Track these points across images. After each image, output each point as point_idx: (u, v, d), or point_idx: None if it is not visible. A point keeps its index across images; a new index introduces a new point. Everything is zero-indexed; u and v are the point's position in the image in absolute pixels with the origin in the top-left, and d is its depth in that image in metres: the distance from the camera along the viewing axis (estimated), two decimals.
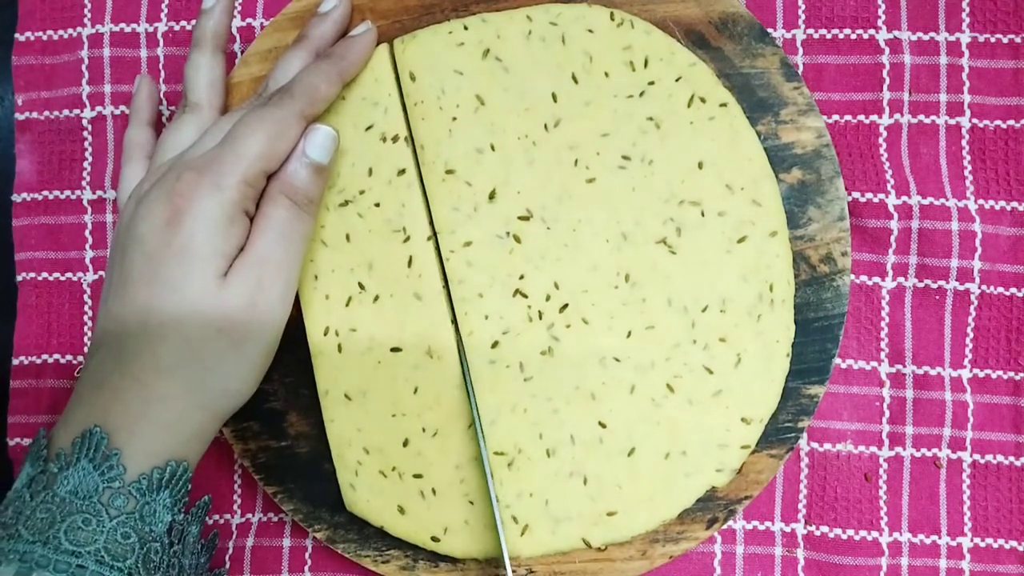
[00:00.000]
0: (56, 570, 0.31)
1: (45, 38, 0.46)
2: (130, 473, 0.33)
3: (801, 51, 0.43)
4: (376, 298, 0.41)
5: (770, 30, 0.43)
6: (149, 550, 0.33)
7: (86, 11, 0.46)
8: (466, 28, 0.41)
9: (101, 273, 0.46)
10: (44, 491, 0.33)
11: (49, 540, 0.32)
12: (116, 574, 0.32)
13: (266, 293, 0.36)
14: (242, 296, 0.36)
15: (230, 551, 0.44)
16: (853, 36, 0.43)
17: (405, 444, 0.40)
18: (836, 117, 0.43)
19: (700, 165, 0.40)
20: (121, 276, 0.36)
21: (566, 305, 0.40)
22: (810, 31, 0.43)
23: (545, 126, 0.41)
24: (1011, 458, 0.42)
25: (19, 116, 0.46)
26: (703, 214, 0.40)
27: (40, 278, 0.46)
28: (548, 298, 0.40)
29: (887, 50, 0.43)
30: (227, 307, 0.35)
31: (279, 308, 0.37)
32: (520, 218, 0.41)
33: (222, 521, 0.44)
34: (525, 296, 0.40)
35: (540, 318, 0.40)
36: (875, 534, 0.42)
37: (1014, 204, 0.43)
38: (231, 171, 0.35)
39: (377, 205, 0.41)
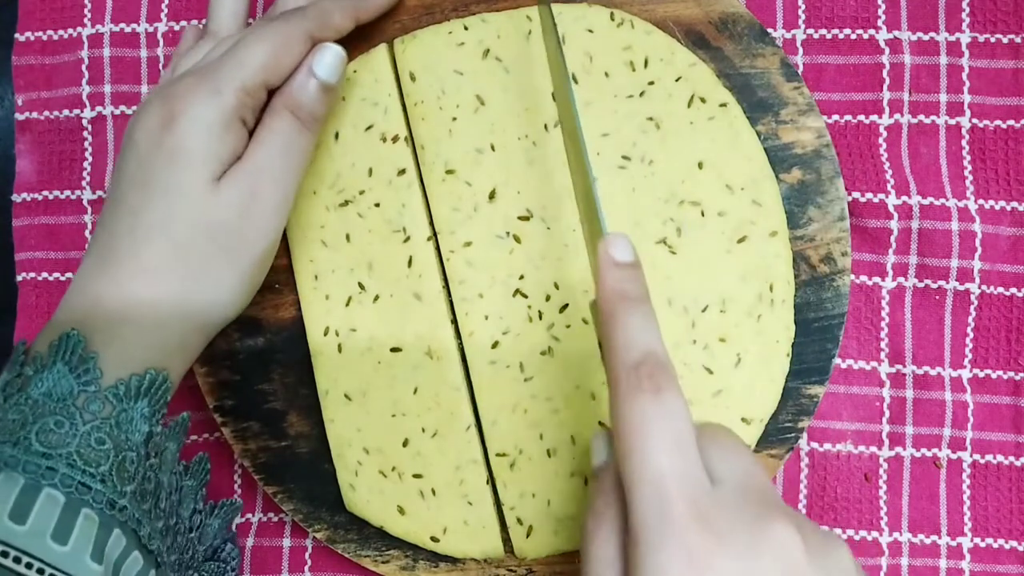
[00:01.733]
0: (25, 471, 0.30)
1: (45, 38, 0.46)
2: (107, 378, 0.33)
3: (801, 51, 0.43)
4: (376, 298, 0.41)
5: (770, 30, 0.43)
6: (124, 459, 0.32)
7: (86, 11, 0.46)
8: (466, 28, 0.41)
9: None
10: (18, 393, 0.32)
11: (19, 441, 0.31)
12: (88, 479, 0.31)
13: (260, 203, 0.35)
14: (235, 202, 0.35)
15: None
16: (853, 36, 0.43)
17: (405, 444, 0.40)
18: (836, 117, 0.43)
19: (700, 165, 0.40)
20: (115, 182, 0.36)
21: (566, 305, 0.40)
22: (810, 31, 0.43)
23: (545, 126, 0.41)
24: (1011, 458, 0.42)
25: (19, 116, 0.46)
26: (703, 214, 0.40)
27: (40, 278, 0.46)
28: (548, 298, 0.40)
29: (887, 50, 0.43)
30: (218, 211, 0.35)
31: (273, 219, 0.36)
32: (520, 218, 0.41)
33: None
34: (525, 296, 0.40)
35: (540, 318, 0.40)
36: (875, 534, 0.42)
37: (1014, 204, 0.43)
38: (230, 77, 0.35)
39: (377, 205, 0.41)
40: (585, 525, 0.30)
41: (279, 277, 0.42)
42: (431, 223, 0.41)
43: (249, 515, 0.45)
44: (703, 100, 0.40)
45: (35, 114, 0.46)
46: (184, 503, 0.36)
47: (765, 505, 0.28)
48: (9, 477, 0.30)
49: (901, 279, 0.43)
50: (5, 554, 0.29)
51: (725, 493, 0.28)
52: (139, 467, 0.33)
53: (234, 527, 0.44)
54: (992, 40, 0.43)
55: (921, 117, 0.43)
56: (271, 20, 0.37)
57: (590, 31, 0.41)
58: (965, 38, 0.43)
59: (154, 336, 0.34)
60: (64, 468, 0.31)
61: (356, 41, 0.42)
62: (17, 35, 0.46)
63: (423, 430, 0.40)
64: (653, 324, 0.30)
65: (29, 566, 0.30)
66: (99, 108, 0.46)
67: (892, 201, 0.42)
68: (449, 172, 0.41)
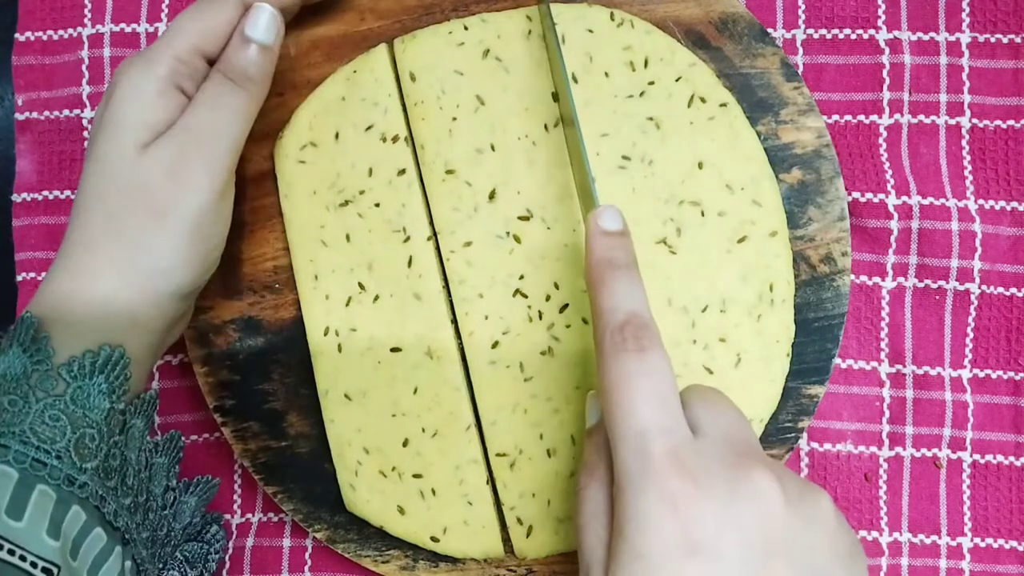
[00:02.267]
0: None
1: (45, 38, 0.46)
2: (59, 356, 0.33)
3: (801, 51, 0.43)
4: (376, 298, 0.41)
5: (770, 30, 0.43)
6: (83, 436, 0.32)
7: (86, 11, 0.46)
8: (466, 28, 0.41)
9: None
10: None
11: None
12: (43, 455, 0.31)
13: (187, 162, 0.35)
14: (159, 165, 0.35)
15: (230, 551, 0.44)
16: (853, 36, 0.43)
17: (405, 444, 0.40)
18: (836, 117, 0.43)
19: (700, 165, 0.40)
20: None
21: (566, 305, 0.40)
22: (810, 31, 0.43)
23: (545, 126, 0.41)
24: (1011, 458, 0.42)
25: (19, 116, 0.46)
26: (703, 214, 0.40)
27: (40, 278, 0.46)
28: (548, 298, 0.40)
29: (887, 50, 0.43)
30: (145, 175, 0.35)
31: (202, 180, 0.35)
32: (520, 218, 0.41)
33: (222, 521, 0.44)
34: (525, 296, 0.40)
35: (540, 318, 0.40)
36: (875, 534, 0.42)
37: (1014, 204, 0.43)
38: (162, 46, 0.36)
39: (377, 205, 0.41)
40: (578, 481, 0.32)
41: (279, 277, 0.42)
42: (431, 223, 0.41)
43: (249, 515, 0.45)
44: (703, 100, 0.40)
45: (35, 114, 0.46)
46: (155, 480, 0.36)
47: (746, 455, 0.29)
48: None
49: (901, 279, 0.43)
50: None
51: (707, 444, 0.29)
52: (101, 444, 0.33)
53: (233, 526, 0.44)
54: (992, 40, 0.43)
55: (921, 117, 0.43)
56: None
57: (590, 31, 0.41)
58: (965, 38, 0.43)
59: (100, 311, 0.34)
60: (17, 445, 0.31)
61: (356, 41, 0.42)
62: (17, 35, 0.46)
63: (423, 430, 0.40)
64: (638, 288, 0.32)
65: None
66: None
67: (892, 201, 0.42)
68: (449, 172, 0.41)
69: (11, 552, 0.30)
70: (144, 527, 0.35)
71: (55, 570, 0.31)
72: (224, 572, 0.43)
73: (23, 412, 0.31)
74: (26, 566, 0.30)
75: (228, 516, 0.44)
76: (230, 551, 0.44)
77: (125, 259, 0.35)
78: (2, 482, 0.31)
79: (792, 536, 0.28)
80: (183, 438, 0.38)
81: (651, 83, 0.40)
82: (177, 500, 0.38)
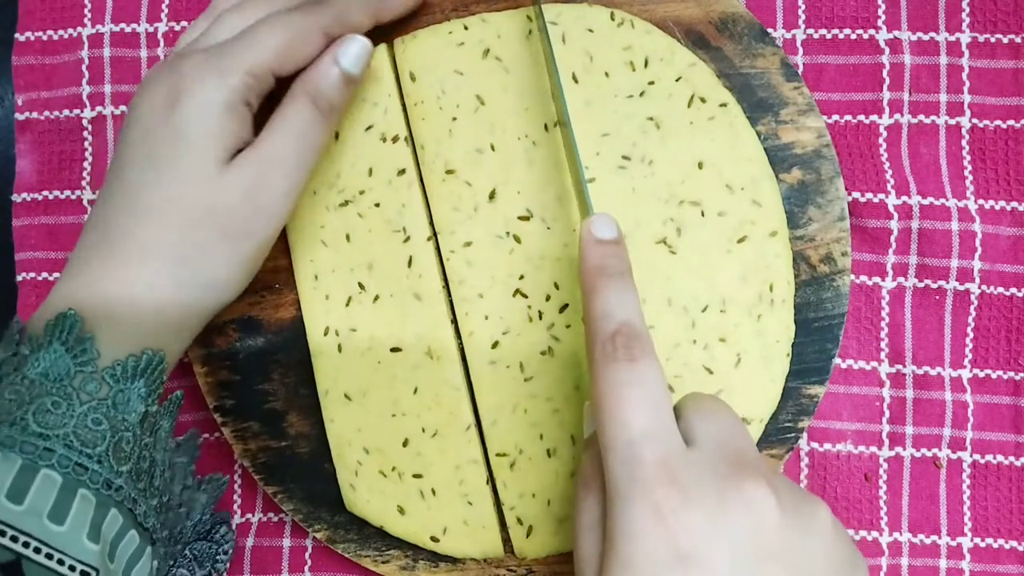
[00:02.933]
0: (23, 451, 0.30)
1: (45, 38, 0.46)
2: (104, 359, 0.32)
3: (801, 51, 0.43)
4: (376, 298, 0.41)
5: (770, 30, 0.43)
6: (120, 439, 0.32)
7: (86, 11, 0.46)
8: (466, 28, 0.41)
9: None
10: (14, 373, 0.32)
11: (16, 421, 0.31)
12: (85, 460, 0.31)
13: (268, 189, 0.35)
14: (241, 187, 0.34)
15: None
16: (853, 36, 0.43)
17: (405, 444, 0.40)
18: (836, 117, 0.43)
19: (700, 165, 0.40)
20: (117, 158, 0.35)
21: (566, 305, 0.40)
22: (810, 31, 0.43)
23: (545, 126, 0.41)
24: (1011, 458, 0.42)
25: (19, 116, 0.46)
26: (703, 214, 0.40)
27: (40, 278, 0.46)
28: (548, 298, 0.40)
29: (887, 50, 0.43)
30: (224, 195, 0.34)
31: (280, 207, 0.35)
32: (520, 218, 0.41)
33: (231, 521, 0.44)
34: (525, 296, 0.40)
35: (540, 318, 0.40)
36: (875, 534, 0.42)
37: (1014, 204, 0.43)
38: (239, 59, 0.34)
39: (377, 205, 0.41)
40: (576, 493, 0.32)
41: (279, 277, 0.42)
42: (431, 223, 0.41)
43: (249, 515, 0.45)
44: (703, 100, 0.40)
45: (35, 114, 0.46)
46: (176, 479, 0.36)
47: (739, 465, 0.29)
48: (6, 457, 0.30)
49: (901, 279, 0.43)
50: (2, 532, 0.29)
51: (699, 454, 0.29)
52: (135, 447, 0.33)
53: (233, 526, 0.44)
54: (992, 40, 0.43)
55: (921, 117, 0.43)
56: (288, 11, 0.36)
57: (590, 31, 0.41)
58: (965, 38, 0.43)
59: (151, 318, 0.34)
60: (61, 449, 0.31)
61: None
62: (17, 35, 0.46)
63: (423, 430, 0.40)
64: (631, 297, 0.32)
65: (26, 545, 0.30)
66: (99, 108, 0.46)
67: (892, 201, 0.43)
68: (449, 172, 0.41)
69: (49, 556, 0.30)
70: (164, 526, 0.35)
71: (93, 573, 0.31)
72: (224, 572, 0.43)
73: (67, 415, 0.31)
74: (64, 570, 0.30)
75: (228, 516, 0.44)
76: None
77: (188, 274, 0.34)
78: (46, 487, 0.31)
79: (788, 546, 0.28)
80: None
81: (651, 83, 0.40)
82: (191, 498, 0.38)
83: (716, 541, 0.27)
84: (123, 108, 0.45)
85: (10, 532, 0.30)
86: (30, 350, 0.32)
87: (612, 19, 0.41)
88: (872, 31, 0.43)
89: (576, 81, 0.41)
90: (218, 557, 0.39)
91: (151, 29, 0.46)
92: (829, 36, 0.43)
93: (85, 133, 0.46)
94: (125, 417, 0.32)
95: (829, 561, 0.29)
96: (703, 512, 0.27)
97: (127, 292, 0.33)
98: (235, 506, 0.45)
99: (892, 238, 0.43)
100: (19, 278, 0.46)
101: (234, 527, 0.43)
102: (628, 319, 0.31)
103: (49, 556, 0.30)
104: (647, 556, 0.27)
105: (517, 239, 0.40)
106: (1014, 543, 0.42)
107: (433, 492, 0.40)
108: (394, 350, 0.41)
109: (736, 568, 0.27)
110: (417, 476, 0.40)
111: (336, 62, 0.36)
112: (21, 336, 0.33)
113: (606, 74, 0.41)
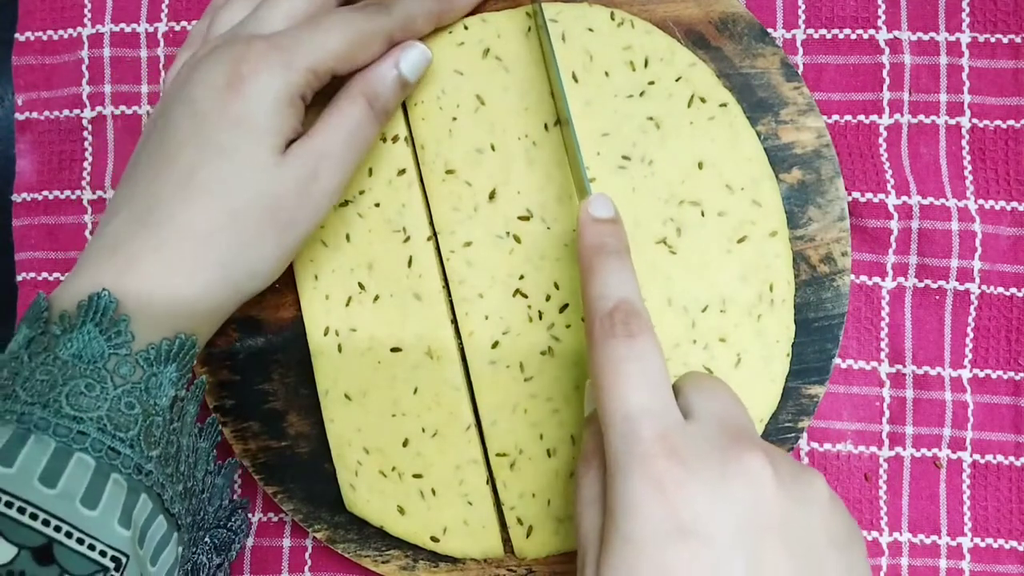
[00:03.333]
0: (56, 434, 0.30)
1: (45, 38, 0.46)
2: (138, 342, 0.32)
3: (801, 51, 0.43)
4: (376, 298, 0.41)
5: (770, 30, 0.43)
6: (152, 424, 0.32)
7: (86, 11, 0.46)
8: (466, 28, 0.41)
9: None
10: (44, 352, 0.31)
11: (49, 403, 0.30)
12: (118, 444, 0.31)
13: (319, 184, 0.35)
14: (295, 178, 0.34)
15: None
16: (853, 36, 0.43)
17: (405, 444, 0.40)
18: (836, 117, 0.43)
19: (700, 165, 0.40)
20: (161, 138, 0.35)
21: (566, 305, 0.40)
22: (810, 31, 0.43)
23: (545, 126, 0.41)
24: (1011, 458, 0.42)
25: (19, 116, 0.46)
26: (703, 214, 0.40)
27: (40, 278, 0.46)
28: (548, 298, 0.40)
29: (887, 50, 0.43)
30: (279, 185, 0.34)
31: (327, 201, 0.36)
32: (520, 218, 0.41)
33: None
34: (525, 296, 0.40)
35: (540, 318, 0.40)
36: (875, 534, 0.42)
37: (1014, 204, 0.43)
38: (304, 55, 0.34)
39: (377, 205, 0.41)
40: (577, 470, 0.32)
41: (279, 277, 0.42)
42: (431, 223, 0.41)
43: (249, 515, 0.45)
44: (703, 100, 0.40)
45: (35, 114, 0.46)
46: (199, 465, 0.36)
47: (738, 438, 0.29)
48: (39, 440, 0.30)
49: (901, 279, 0.43)
50: (34, 516, 0.29)
51: (698, 427, 0.29)
52: (164, 431, 0.32)
53: (249, 516, 0.44)
54: (992, 40, 0.43)
55: (921, 117, 0.43)
56: (355, 12, 0.36)
57: (590, 30, 0.41)
58: (965, 38, 0.43)
59: (189, 302, 0.33)
60: (95, 432, 0.30)
61: None
62: (17, 35, 0.46)
63: (423, 430, 0.40)
64: (628, 274, 0.32)
65: (58, 529, 0.29)
66: (99, 108, 0.46)
67: (892, 201, 0.43)
68: (449, 172, 0.41)
69: (80, 541, 0.30)
70: (188, 512, 0.35)
71: (124, 559, 0.30)
72: (225, 572, 0.43)
73: (101, 398, 0.31)
74: (95, 555, 0.30)
75: None
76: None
77: (232, 260, 0.34)
78: (80, 470, 0.30)
79: (786, 517, 0.28)
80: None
81: (651, 83, 0.40)
82: (212, 484, 0.38)
83: (717, 513, 0.27)
84: (123, 108, 0.46)
85: (42, 516, 0.29)
86: (61, 330, 0.32)
87: (612, 19, 0.41)
88: (872, 31, 0.43)
89: (576, 80, 0.41)
90: (233, 546, 0.39)
91: (151, 29, 0.46)
92: (829, 36, 0.43)
93: (85, 133, 0.46)
94: (156, 401, 0.32)
95: (827, 531, 0.29)
96: (704, 484, 0.28)
97: (167, 275, 0.33)
98: None
99: (892, 238, 0.43)
100: (19, 278, 0.46)
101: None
102: (626, 296, 0.31)
103: (80, 541, 0.30)
104: (649, 529, 0.27)
105: (517, 239, 0.40)
106: (1014, 543, 0.42)
107: (433, 492, 0.40)
108: (394, 350, 0.41)
109: (736, 539, 0.27)
110: (417, 476, 0.40)
111: (396, 66, 0.37)
112: (50, 314, 0.32)
113: (606, 74, 0.41)
